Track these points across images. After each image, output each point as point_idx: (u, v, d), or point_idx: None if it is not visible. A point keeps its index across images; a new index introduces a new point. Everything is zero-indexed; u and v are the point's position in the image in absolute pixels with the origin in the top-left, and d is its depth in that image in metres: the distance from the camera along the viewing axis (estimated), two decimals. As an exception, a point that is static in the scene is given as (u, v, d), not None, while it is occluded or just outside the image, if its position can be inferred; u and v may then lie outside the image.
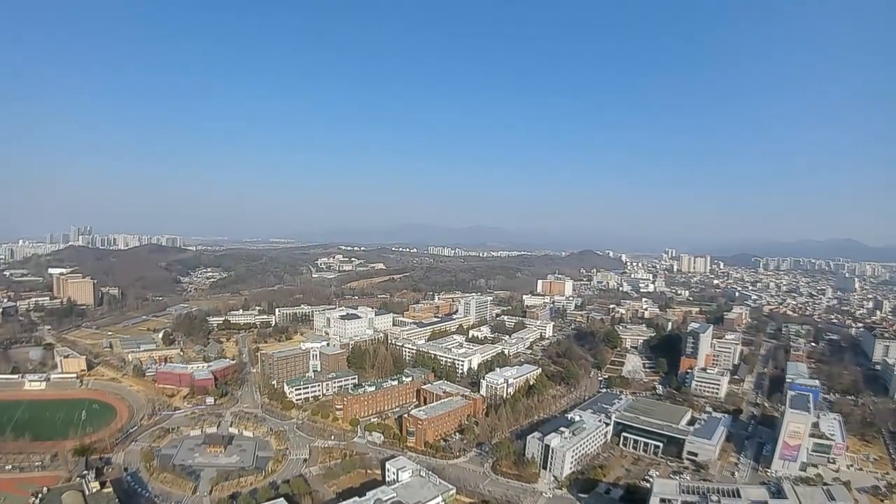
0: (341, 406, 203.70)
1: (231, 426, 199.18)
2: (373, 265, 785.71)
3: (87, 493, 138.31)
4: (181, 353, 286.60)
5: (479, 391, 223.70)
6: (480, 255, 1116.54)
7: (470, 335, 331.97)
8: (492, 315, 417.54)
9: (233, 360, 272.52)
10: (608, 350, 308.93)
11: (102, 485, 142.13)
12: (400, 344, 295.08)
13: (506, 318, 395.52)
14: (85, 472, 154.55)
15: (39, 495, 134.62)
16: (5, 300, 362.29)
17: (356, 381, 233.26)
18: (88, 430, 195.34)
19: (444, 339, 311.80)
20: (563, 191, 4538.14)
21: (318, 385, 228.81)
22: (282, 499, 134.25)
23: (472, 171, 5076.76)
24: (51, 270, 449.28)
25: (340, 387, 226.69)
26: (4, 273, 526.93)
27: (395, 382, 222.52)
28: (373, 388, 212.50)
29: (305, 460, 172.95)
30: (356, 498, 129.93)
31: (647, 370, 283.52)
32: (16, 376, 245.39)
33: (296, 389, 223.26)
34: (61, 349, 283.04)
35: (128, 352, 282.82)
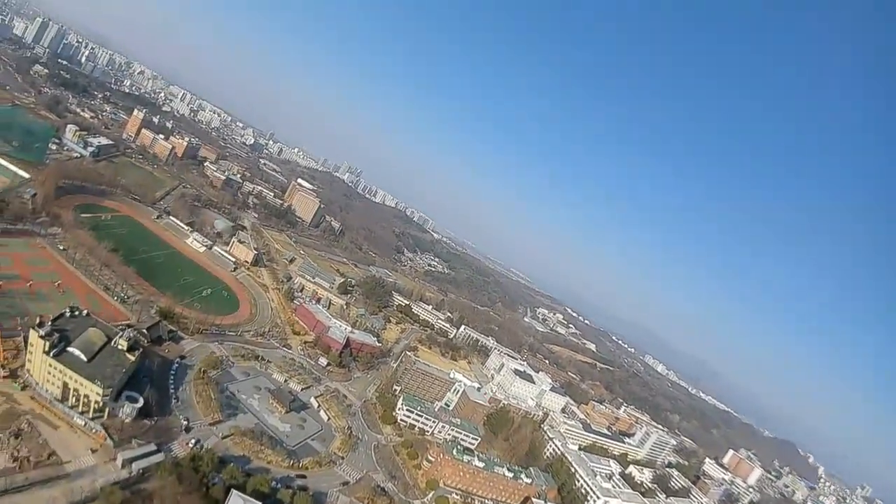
0: (433, 459, 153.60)
1: (316, 398, 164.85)
2: (585, 342, 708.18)
3: (117, 342, 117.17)
4: (344, 307, 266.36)
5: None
6: (691, 388, 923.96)
7: (628, 470, 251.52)
8: (664, 460, 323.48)
9: (379, 342, 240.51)
10: None
11: (131, 348, 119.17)
12: (551, 435, 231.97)
13: (675, 473, 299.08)
14: (145, 329, 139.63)
15: (74, 311, 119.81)
16: (238, 175, 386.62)
17: (475, 444, 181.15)
18: (196, 305, 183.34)
19: (598, 459, 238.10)
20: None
21: (434, 422, 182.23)
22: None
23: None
24: (297, 180, 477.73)
25: (453, 438, 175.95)
26: (260, 160, 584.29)
27: (510, 475, 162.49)
28: (481, 465, 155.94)
29: (345, 484, 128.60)
30: None
31: None
32: (187, 229, 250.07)
33: (407, 409, 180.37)
34: (244, 236, 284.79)
35: (300, 274, 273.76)
